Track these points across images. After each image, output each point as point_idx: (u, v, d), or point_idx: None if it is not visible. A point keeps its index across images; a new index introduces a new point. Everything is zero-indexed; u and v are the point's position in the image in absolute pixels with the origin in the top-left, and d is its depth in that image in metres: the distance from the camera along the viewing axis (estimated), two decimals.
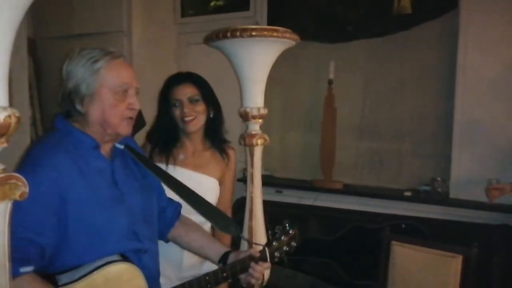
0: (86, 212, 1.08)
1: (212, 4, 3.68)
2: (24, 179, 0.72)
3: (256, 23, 3.31)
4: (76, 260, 1.06)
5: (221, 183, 1.79)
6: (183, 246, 1.45)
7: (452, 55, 2.82)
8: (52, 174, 1.05)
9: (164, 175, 1.36)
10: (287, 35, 1.56)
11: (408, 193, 2.93)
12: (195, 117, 1.66)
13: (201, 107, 1.68)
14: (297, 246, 1.39)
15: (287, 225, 1.41)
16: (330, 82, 3.05)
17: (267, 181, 3.10)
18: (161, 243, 1.39)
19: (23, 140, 2.47)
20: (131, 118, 1.18)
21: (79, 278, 1.02)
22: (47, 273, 1.05)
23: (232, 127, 3.30)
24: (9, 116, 0.66)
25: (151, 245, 1.25)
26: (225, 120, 1.81)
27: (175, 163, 1.66)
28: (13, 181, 0.70)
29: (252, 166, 1.65)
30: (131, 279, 1.07)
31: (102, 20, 3.43)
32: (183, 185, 1.37)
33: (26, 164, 1.07)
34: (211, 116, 1.73)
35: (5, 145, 0.69)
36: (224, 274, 1.26)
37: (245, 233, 1.69)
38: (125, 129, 1.18)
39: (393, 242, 2.06)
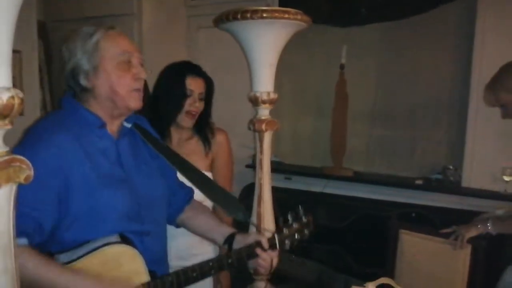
0: (86, 191, 1.06)
1: None
2: (28, 162, 0.71)
3: (267, 6, 3.25)
4: (74, 238, 1.05)
5: (213, 168, 1.76)
6: (191, 230, 1.43)
7: (469, 40, 2.74)
8: (53, 151, 1.04)
9: (173, 157, 1.33)
10: (299, 17, 1.52)
11: (419, 181, 2.89)
12: (196, 114, 1.67)
13: (202, 105, 1.70)
14: (311, 234, 1.32)
15: (300, 211, 1.35)
16: (342, 67, 3.00)
17: (276, 167, 3.08)
18: None
19: None
20: (139, 89, 1.16)
21: (77, 258, 1.02)
22: (47, 252, 1.05)
23: (242, 113, 3.28)
24: (12, 97, 0.64)
25: (155, 228, 1.23)
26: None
27: None
28: (17, 164, 0.69)
29: (261, 152, 1.63)
30: (128, 262, 1.06)
31: (113, 2, 3.40)
32: (193, 167, 1.34)
33: (27, 141, 1.07)
34: (204, 111, 1.74)
35: (8, 127, 0.67)
36: (229, 261, 1.21)
37: (253, 219, 1.68)
38: (135, 102, 1.16)
39: (401, 231, 2.03)
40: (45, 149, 1.04)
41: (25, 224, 0.97)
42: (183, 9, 3.64)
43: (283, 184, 3.13)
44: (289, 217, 1.33)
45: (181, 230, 1.52)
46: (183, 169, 1.32)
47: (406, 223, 2.12)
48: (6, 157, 0.67)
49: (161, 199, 1.29)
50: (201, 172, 1.36)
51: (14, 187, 0.70)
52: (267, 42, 1.55)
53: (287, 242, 1.30)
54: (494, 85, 1.73)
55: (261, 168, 1.64)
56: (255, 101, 1.61)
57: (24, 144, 1.05)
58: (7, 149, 0.69)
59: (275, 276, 1.87)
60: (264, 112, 1.63)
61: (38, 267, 0.97)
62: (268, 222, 1.69)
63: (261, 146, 1.62)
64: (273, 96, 1.62)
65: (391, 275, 2.02)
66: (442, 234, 1.91)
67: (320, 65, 3.27)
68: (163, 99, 1.65)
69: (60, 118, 1.13)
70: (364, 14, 3.08)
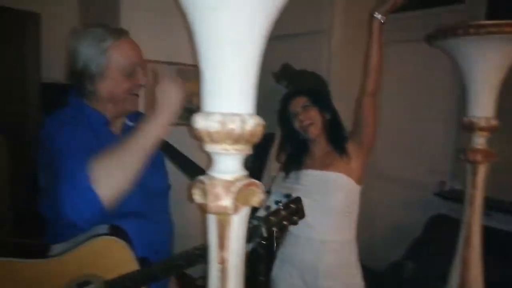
0: None
1: None
2: (262, 186, 0.72)
3: (471, 18, 2.89)
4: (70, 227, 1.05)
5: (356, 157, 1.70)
6: None
7: None
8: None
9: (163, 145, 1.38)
10: None
11: None
12: (312, 123, 1.69)
13: (314, 111, 1.71)
14: (300, 219, 1.25)
15: (287, 198, 1.26)
16: None
17: None
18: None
19: None
20: (136, 94, 1.23)
21: (68, 250, 1.05)
22: (43, 242, 1.12)
23: (430, 133, 2.98)
24: (257, 124, 0.66)
25: (160, 216, 1.29)
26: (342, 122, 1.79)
27: (305, 168, 1.73)
28: (253, 187, 0.70)
29: (473, 186, 1.41)
30: (117, 251, 1.07)
31: (306, 20, 3.49)
32: (178, 152, 1.39)
33: (52, 133, 1.11)
34: (329, 119, 1.73)
35: (249, 152, 0.69)
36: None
37: (457, 264, 1.46)
38: (131, 105, 1.23)
39: None
40: (71, 132, 1.10)
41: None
42: None
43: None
44: (278, 204, 1.25)
45: (330, 246, 1.60)
46: (168, 153, 1.38)
47: None
48: (246, 181, 0.69)
49: (162, 189, 1.35)
50: (185, 156, 1.38)
51: (247, 210, 0.72)
52: (491, 61, 1.34)
53: (274, 229, 1.20)
54: None
55: (471, 204, 1.42)
56: (470, 127, 1.41)
57: (53, 135, 1.10)
58: (246, 173, 0.71)
59: None
60: (480, 140, 1.42)
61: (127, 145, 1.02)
62: (476, 269, 1.45)
63: (474, 179, 1.41)
64: (493, 122, 1.40)
65: None
66: None
67: None
68: (282, 133, 1.82)
69: (69, 114, 1.19)
70: None
